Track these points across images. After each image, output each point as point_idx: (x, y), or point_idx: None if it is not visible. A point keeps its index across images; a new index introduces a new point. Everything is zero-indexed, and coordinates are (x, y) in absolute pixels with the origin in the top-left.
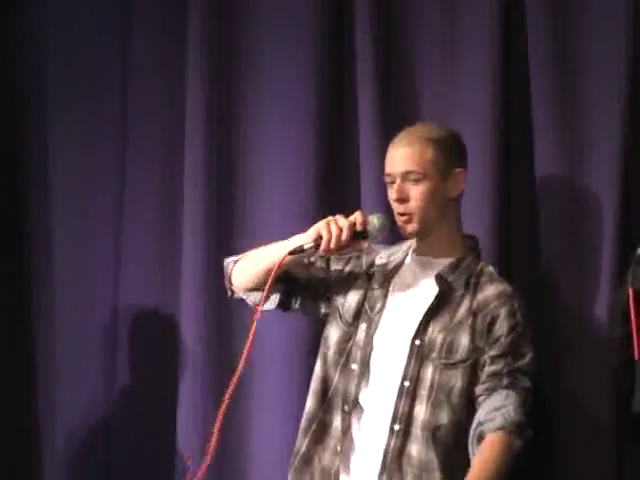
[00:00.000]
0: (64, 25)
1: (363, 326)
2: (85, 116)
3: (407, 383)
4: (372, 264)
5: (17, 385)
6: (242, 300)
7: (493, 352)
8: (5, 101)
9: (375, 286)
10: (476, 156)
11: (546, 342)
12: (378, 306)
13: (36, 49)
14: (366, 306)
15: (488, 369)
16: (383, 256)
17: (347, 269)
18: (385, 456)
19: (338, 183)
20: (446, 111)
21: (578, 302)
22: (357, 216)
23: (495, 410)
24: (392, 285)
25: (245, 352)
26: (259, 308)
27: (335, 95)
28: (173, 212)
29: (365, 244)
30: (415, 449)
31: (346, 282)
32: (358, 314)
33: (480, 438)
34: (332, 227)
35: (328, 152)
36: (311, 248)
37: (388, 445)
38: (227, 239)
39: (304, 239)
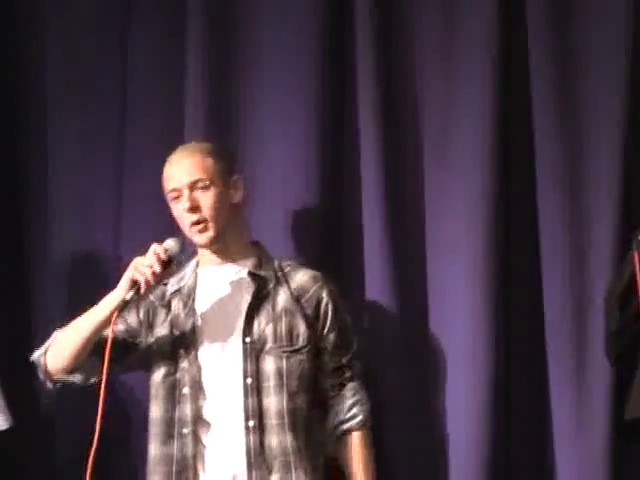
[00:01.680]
0: (64, 25)
1: (182, 352)
2: (85, 116)
3: (249, 380)
4: (163, 296)
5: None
6: (67, 383)
7: (329, 342)
8: (5, 101)
9: (178, 312)
10: (476, 156)
11: (542, 343)
12: (190, 328)
13: (36, 49)
14: (178, 334)
15: (331, 363)
16: (173, 283)
17: (142, 312)
18: (248, 454)
19: (338, 183)
20: (446, 111)
21: (578, 302)
22: (155, 248)
23: (353, 406)
24: (197, 303)
25: (97, 430)
26: (104, 378)
27: (335, 95)
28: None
29: (174, 267)
30: (275, 440)
31: (147, 324)
32: (173, 344)
33: (342, 434)
34: (141, 268)
35: (328, 152)
36: (133, 296)
37: (248, 443)
38: None
39: (119, 293)
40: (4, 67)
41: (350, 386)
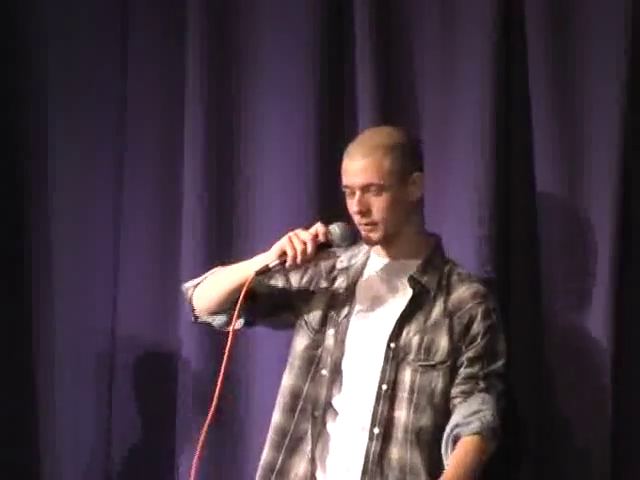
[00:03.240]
0: (64, 25)
1: (331, 331)
2: (85, 116)
3: (385, 387)
4: (332, 268)
5: (16, 390)
6: (207, 324)
7: (470, 354)
8: (5, 101)
9: (339, 290)
10: (476, 156)
11: (541, 343)
12: (345, 310)
13: (36, 49)
14: (332, 312)
15: (464, 371)
16: (344, 259)
17: (306, 277)
18: (366, 460)
19: (338, 183)
20: (446, 111)
21: (578, 302)
22: (318, 227)
23: (473, 414)
24: (358, 288)
25: (221, 374)
26: (230, 331)
27: (335, 95)
28: (173, 213)
29: (330, 254)
30: (396, 452)
31: (307, 290)
32: (324, 320)
33: (455, 440)
34: (295, 242)
35: (328, 152)
36: (277, 265)
37: (369, 449)
38: (227, 240)
39: (268, 258)
40: (4, 67)
41: (479, 395)
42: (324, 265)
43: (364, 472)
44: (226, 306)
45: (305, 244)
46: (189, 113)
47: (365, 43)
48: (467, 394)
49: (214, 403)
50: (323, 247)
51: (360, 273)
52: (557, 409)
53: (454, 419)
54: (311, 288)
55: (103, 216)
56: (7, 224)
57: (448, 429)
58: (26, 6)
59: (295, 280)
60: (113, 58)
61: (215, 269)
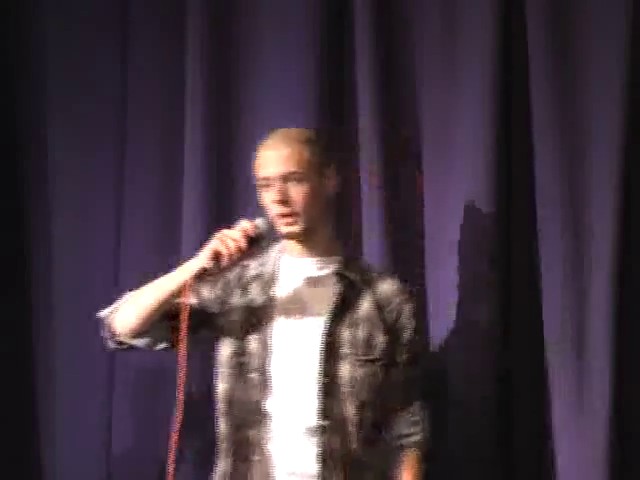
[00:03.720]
0: (64, 25)
1: (255, 336)
2: (85, 116)
3: (327, 380)
4: (242, 277)
5: (16, 390)
6: (130, 348)
7: (404, 357)
8: (5, 101)
9: (256, 297)
10: (476, 156)
11: (542, 342)
12: (266, 314)
13: (36, 49)
14: (251, 317)
15: (402, 377)
16: (253, 267)
17: (217, 290)
18: (320, 455)
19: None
20: (446, 111)
21: (578, 302)
22: (244, 224)
23: (415, 424)
24: (276, 291)
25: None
26: (182, 346)
27: (335, 95)
28: (173, 212)
29: (260, 247)
30: (343, 445)
31: (222, 302)
32: (245, 326)
33: (399, 449)
34: (227, 241)
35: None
36: (213, 267)
37: (322, 444)
38: None
39: (200, 261)
40: (4, 67)
41: (417, 404)
42: (232, 276)
43: (320, 468)
44: (153, 324)
45: (237, 241)
46: (189, 113)
47: (365, 43)
48: (406, 401)
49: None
50: (253, 242)
51: (275, 276)
52: (557, 409)
53: (398, 428)
54: (225, 299)
55: (103, 216)
56: (7, 224)
57: (393, 436)
58: (26, 6)
59: (207, 295)
60: (113, 58)
61: (129, 293)
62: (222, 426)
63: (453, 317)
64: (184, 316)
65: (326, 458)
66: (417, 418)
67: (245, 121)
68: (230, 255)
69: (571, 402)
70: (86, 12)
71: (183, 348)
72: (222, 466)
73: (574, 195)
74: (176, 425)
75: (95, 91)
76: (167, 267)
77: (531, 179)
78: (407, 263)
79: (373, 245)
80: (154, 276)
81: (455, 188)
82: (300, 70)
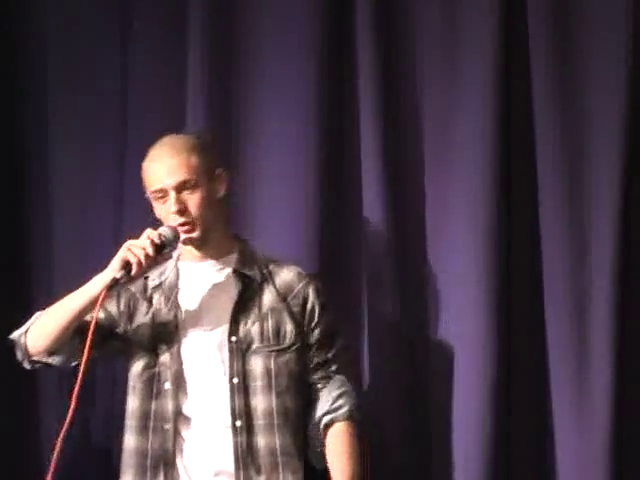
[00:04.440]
0: (64, 25)
1: (163, 347)
2: (85, 116)
3: (236, 380)
4: (145, 288)
5: (16, 390)
6: (46, 365)
7: (314, 338)
8: (5, 101)
9: (160, 307)
10: (477, 156)
11: (542, 342)
12: (172, 323)
13: (36, 48)
14: (159, 328)
15: (316, 358)
16: (154, 277)
17: (122, 303)
18: (236, 454)
19: (338, 183)
20: (447, 111)
21: (578, 301)
22: (149, 233)
23: (338, 398)
24: (180, 298)
25: (72, 407)
26: (83, 366)
27: (335, 95)
28: None
29: (167, 254)
30: (262, 441)
31: (128, 314)
32: (153, 338)
33: (328, 426)
34: (135, 250)
35: (328, 152)
36: (124, 276)
37: (236, 443)
38: None
39: (110, 273)
40: (4, 67)
41: (336, 378)
42: (135, 288)
43: (237, 467)
44: (66, 340)
45: (144, 248)
46: (189, 113)
47: (366, 43)
48: (325, 379)
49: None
50: (160, 249)
51: (176, 284)
52: (557, 408)
53: (322, 406)
54: (131, 312)
55: (103, 216)
56: (7, 224)
57: (318, 414)
58: (26, 6)
59: (113, 308)
60: (113, 58)
61: (37, 313)
62: (132, 442)
63: (453, 316)
64: (92, 327)
65: (243, 456)
66: (340, 391)
67: (245, 121)
68: (139, 263)
69: (571, 402)
70: (86, 12)
71: (85, 359)
72: None
73: (574, 194)
74: (60, 438)
75: (95, 91)
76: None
77: (531, 178)
78: (407, 264)
79: (373, 246)
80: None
81: (455, 188)
82: (300, 70)
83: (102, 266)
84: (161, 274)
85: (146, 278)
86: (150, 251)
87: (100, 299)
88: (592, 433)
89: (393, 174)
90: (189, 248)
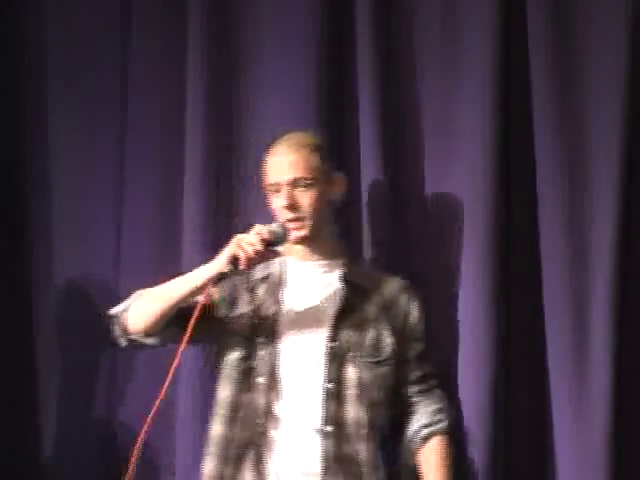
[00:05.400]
0: (64, 25)
1: (262, 340)
2: (85, 116)
3: (330, 385)
4: (248, 280)
5: (16, 390)
6: (139, 345)
7: (416, 351)
8: (5, 101)
9: (263, 300)
10: (476, 156)
11: (542, 342)
12: (273, 318)
13: (36, 49)
14: (260, 321)
15: (417, 372)
16: (259, 269)
17: (226, 291)
18: (324, 459)
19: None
20: (446, 110)
21: (578, 301)
22: (258, 228)
23: (438, 412)
24: (283, 294)
25: (164, 389)
26: (183, 345)
27: (336, 95)
28: (173, 212)
29: (277, 251)
30: (352, 449)
31: (230, 303)
32: (254, 330)
33: (426, 438)
34: (244, 245)
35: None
36: (231, 270)
37: (324, 448)
38: (227, 238)
39: (217, 266)
40: (4, 67)
41: (437, 393)
42: (238, 280)
43: (324, 472)
44: (165, 323)
45: (254, 244)
46: (189, 113)
47: (366, 43)
48: (424, 392)
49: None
50: (269, 245)
51: (281, 279)
52: (557, 408)
53: (419, 418)
54: (234, 301)
55: (103, 216)
56: (7, 225)
57: (415, 427)
58: (26, 6)
59: (216, 294)
60: (113, 58)
61: (139, 292)
62: (218, 430)
63: (453, 316)
64: (195, 316)
65: (328, 461)
66: (440, 405)
67: (245, 121)
68: (247, 259)
69: (570, 401)
70: (87, 12)
71: (183, 346)
72: (215, 471)
73: (574, 194)
74: (150, 420)
75: (95, 91)
76: (167, 266)
77: (531, 178)
78: (409, 263)
79: (374, 246)
80: (154, 277)
81: (455, 188)
82: (300, 70)
83: (102, 266)
84: (266, 267)
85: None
86: (259, 247)
87: (205, 291)
88: (591, 432)
89: (393, 177)
90: (298, 246)
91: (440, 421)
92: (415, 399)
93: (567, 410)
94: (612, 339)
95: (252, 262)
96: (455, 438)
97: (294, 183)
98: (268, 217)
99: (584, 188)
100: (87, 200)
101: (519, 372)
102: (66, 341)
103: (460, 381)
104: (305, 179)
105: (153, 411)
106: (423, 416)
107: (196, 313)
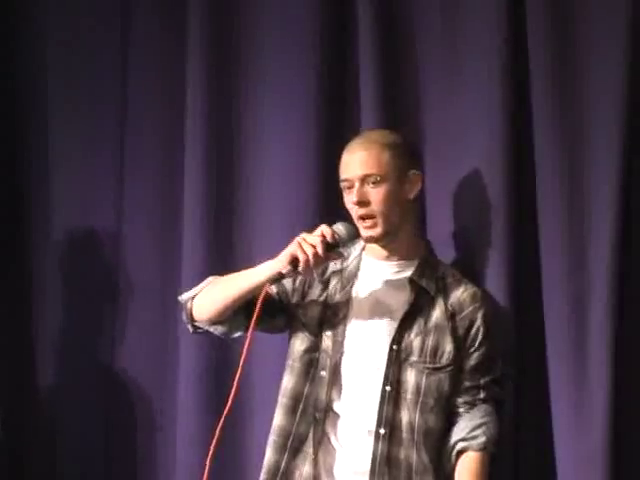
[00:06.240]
0: (64, 24)
1: (329, 333)
2: (85, 116)
3: (389, 388)
4: (325, 271)
5: (16, 389)
6: (206, 332)
7: (472, 362)
8: (5, 101)
9: (334, 293)
10: (476, 157)
11: (541, 341)
12: (342, 313)
13: (36, 49)
14: (328, 313)
15: (466, 381)
16: (336, 262)
17: (297, 281)
18: (374, 461)
19: (338, 183)
20: (447, 110)
21: (578, 301)
22: (323, 229)
23: (478, 427)
24: (354, 290)
25: (235, 384)
26: (249, 336)
27: (336, 95)
28: (173, 211)
29: (340, 253)
30: (403, 453)
31: (302, 293)
32: (321, 322)
33: (460, 452)
34: (305, 247)
35: (328, 150)
36: (290, 272)
37: (375, 450)
38: (227, 238)
39: (277, 265)
40: (4, 67)
41: (482, 407)
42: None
43: (372, 473)
44: (230, 314)
45: (315, 247)
46: (189, 113)
47: (367, 43)
48: (470, 405)
49: (229, 405)
50: (331, 248)
51: (355, 275)
52: (555, 408)
53: (459, 432)
54: (305, 290)
55: (103, 216)
56: (7, 225)
57: (453, 440)
58: (26, 6)
59: (288, 284)
60: (113, 58)
61: (210, 278)
62: (279, 419)
63: None
64: (256, 313)
65: (377, 463)
66: (481, 421)
67: (245, 121)
68: (306, 262)
69: (569, 402)
70: (87, 12)
71: (250, 339)
72: (273, 460)
73: (574, 195)
74: (227, 408)
75: (95, 92)
76: (167, 266)
77: (531, 179)
78: None
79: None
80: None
81: (455, 188)
82: (301, 70)
83: (102, 266)
84: (343, 260)
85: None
86: (320, 250)
87: (263, 290)
88: (590, 433)
89: None
90: (373, 245)
91: (477, 437)
92: (460, 410)
93: (567, 409)
94: (612, 338)
95: (312, 265)
96: (494, 456)
97: (363, 179)
98: (268, 217)
99: (584, 188)
100: (87, 201)
101: (518, 373)
102: (65, 342)
103: None
104: (374, 175)
105: (226, 409)
106: (462, 430)
107: (257, 308)
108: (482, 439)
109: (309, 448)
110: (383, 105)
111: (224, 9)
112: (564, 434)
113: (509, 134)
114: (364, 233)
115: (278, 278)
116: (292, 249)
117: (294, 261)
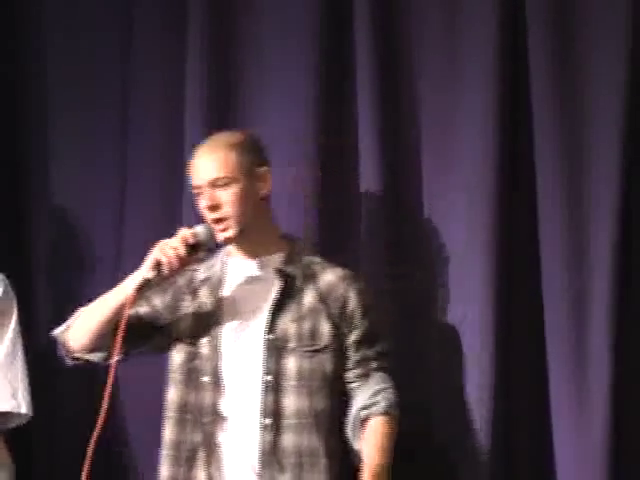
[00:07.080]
0: (64, 25)
1: (205, 340)
2: (85, 115)
3: (269, 377)
4: (192, 282)
5: None
6: (87, 362)
7: (355, 337)
8: (5, 101)
9: (205, 300)
10: (476, 157)
11: (541, 341)
12: (215, 317)
13: (36, 49)
14: (202, 321)
15: (355, 355)
16: (202, 271)
17: (168, 296)
18: (262, 452)
19: (338, 181)
20: (447, 111)
21: (578, 301)
22: (183, 232)
23: (376, 394)
24: (224, 293)
25: (104, 407)
26: (113, 360)
27: (335, 95)
28: (173, 211)
29: (201, 254)
30: (289, 439)
31: (173, 307)
32: (196, 331)
33: (363, 421)
34: (166, 250)
35: (328, 150)
36: (155, 276)
37: (262, 441)
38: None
39: (142, 272)
40: (4, 67)
41: (376, 375)
42: (182, 280)
43: (261, 465)
44: (105, 338)
45: (176, 249)
46: (189, 112)
47: (366, 42)
48: (363, 376)
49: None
50: (193, 249)
51: (222, 278)
52: (555, 407)
53: (358, 401)
54: (176, 305)
55: (103, 216)
56: (7, 225)
57: (354, 411)
58: (26, 6)
59: (159, 301)
60: (113, 58)
61: (81, 309)
62: (170, 433)
63: (452, 316)
64: (122, 325)
65: (268, 455)
66: (379, 387)
67: (245, 121)
68: (170, 263)
69: (570, 401)
70: (87, 11)
71: (115, 356)
72: (170, 473)
73: (574, 195)
74: (97, 429)
75: (95, 91)
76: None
77: (531, 179)
78: (408, 265)
79: (373, 247)
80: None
81: (455, 189)
82: (300, 70)
83: (102, 266)
84: (209, 267)
85: (194, 271)
86: (182, 251)
87: (132, 298)
88: (590, 432)
89: (393, 178)
90: (233, 245)
91: (377, 403)
92: (354, 384)
93: (567, 409)
94: (612, 338)
95: (175, 267)
96: (397, 419)
97: (213, 183)
98: None
99: (583, 188)
100: (87, 201)
101: (518, 373)
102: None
103: (461, 383)
104: (222, 178)
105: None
106: (361, 399)
107: (121, 328)
108: (383, 403)
109: (202, 454)
110: (381, 105)
111: (224, 9)
112: (564, 434)
113: (509, 134)
114: (220, 236)
115: (144, 284)
116: (155, 254)
117: (158, 265)
